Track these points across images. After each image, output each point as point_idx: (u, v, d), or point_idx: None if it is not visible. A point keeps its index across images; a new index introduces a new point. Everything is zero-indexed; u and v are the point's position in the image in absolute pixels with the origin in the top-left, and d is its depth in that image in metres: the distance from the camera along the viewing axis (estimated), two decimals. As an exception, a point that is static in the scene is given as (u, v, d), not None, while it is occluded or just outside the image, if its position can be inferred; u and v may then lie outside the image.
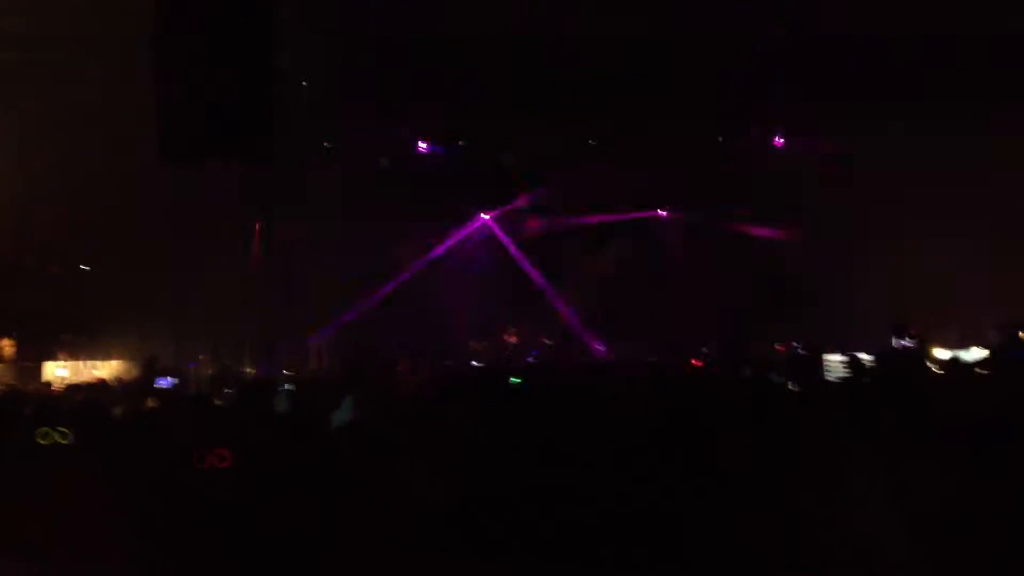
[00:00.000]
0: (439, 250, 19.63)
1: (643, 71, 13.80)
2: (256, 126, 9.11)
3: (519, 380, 7.09)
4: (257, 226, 17.11)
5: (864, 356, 9.87)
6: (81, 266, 16.50)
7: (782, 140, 17.80)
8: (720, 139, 17.72)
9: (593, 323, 19.20)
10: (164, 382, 12.63)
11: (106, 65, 12.29)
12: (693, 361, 12.91)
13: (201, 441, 4.15)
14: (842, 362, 9.39)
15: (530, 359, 16.54)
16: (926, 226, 15.28)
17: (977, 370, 8.09)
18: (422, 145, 17.84)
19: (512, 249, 19.91)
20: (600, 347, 18.19)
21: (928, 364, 8.48)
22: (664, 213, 19.86)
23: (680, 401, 5.79)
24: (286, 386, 7.73)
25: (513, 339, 18.96)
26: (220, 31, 8.86)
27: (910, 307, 13.88)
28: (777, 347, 15.08)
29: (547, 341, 18.78)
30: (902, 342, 12.77)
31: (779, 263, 18.05)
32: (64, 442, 4.51)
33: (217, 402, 6.73)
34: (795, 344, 13.91)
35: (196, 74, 8.90)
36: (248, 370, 15.37)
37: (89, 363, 14.88)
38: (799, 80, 13.73)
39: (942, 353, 11.66)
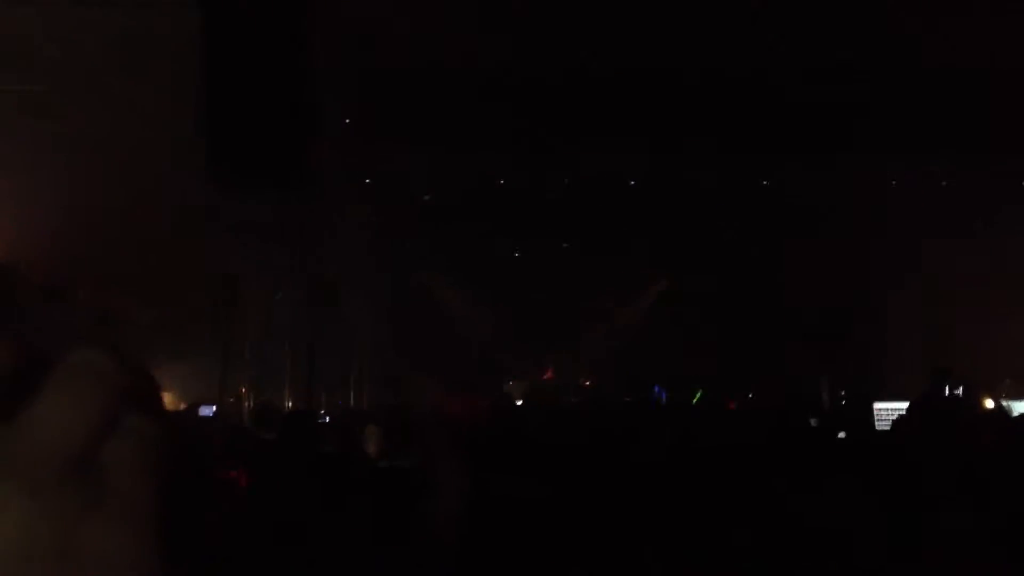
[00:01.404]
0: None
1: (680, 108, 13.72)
2: (297, 159, 9.12)
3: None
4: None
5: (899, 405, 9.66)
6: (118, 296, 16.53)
7: None
8: (764, 183, 17.54)
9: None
10: (207, 411, 12.74)
11: (146, 96, 12.38)
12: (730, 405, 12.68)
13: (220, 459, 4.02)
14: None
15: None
16: (976, 266, 15.09)
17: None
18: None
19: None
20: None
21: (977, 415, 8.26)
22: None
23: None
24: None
25: (549, 375, 18.84)
26: (262, 63, 8.90)
27: (952, 352, 13.62)
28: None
29: (586, 382, 18.64)
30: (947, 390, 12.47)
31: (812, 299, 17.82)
32: None
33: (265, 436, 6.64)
34: (841, 391, 13.66)
35: (239, 103, 8.94)
36: (288, 404, 15.36)
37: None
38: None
39: (990, 403, 11.38)
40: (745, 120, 13.91)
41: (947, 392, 9.44)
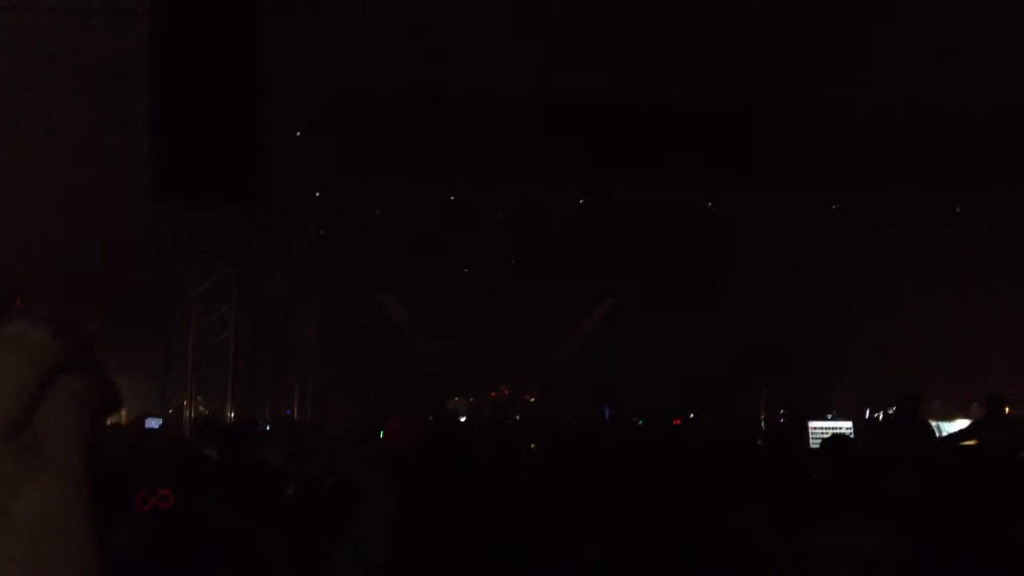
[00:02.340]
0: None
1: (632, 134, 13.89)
2: (245, 171, 9.12)
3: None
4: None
5: (844, 424, 9.85)
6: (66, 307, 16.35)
7: None
8: (709, 204, 17.79)
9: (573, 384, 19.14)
10: (153, 423, 12.65)
11: (96, 107, 12.30)
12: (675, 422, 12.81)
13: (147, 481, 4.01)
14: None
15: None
16: (919, 297, 15.46)
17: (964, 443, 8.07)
18: None
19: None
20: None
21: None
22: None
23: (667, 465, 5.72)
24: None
25: (494, 393, 18.89)
26: (213, 75, 8.90)
27: (893, 377, 13.91)
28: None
29: (531, 399, 18.70)
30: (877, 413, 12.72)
31: (761, 328, 18.08)
32: None
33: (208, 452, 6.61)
34: (780, 411, 13.88)
35: (189, 116, 8.92)
36: (231, 415, 15.25)
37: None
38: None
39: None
40: (694, 145, 14.10)
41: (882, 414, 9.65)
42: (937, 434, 8.84)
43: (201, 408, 15.28)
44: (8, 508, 0.38)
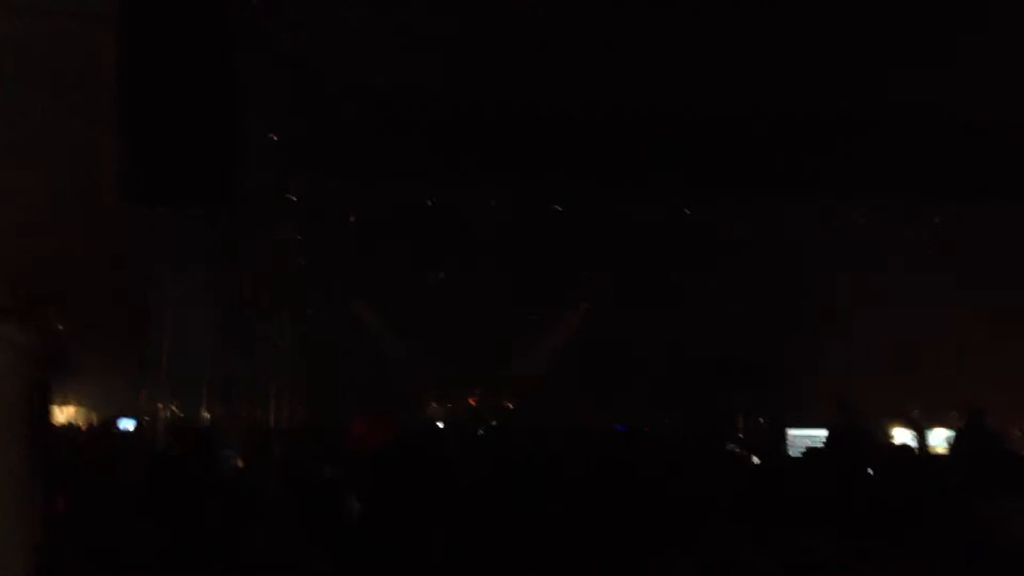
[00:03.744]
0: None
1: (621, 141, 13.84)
2: (217, 173, 8.97)
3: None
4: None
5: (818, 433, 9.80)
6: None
7: None
8: (687, 212, 17.73)
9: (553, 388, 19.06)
10: (128, 423, 12.51)
11: (62, 104, 12.15)
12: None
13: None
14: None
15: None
16: (897, 304, 15.49)
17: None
18: None
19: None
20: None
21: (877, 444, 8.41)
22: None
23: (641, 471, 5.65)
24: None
25: (472, 400, 18.82)
26: (183, 75, 8.76)
27: (875, 384, 13.91)
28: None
29: (508, 404, 18.64)
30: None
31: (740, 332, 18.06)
32: None
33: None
34: (760, 418, 13.85)
35: (158, 118, 8.78)
36: (205, 415, 15.19)
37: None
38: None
39: (901, 434, 11.59)
40: (673, 151, 14.05)
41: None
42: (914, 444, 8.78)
43: (175, 410, 15.20)
44: None
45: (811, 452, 7.48)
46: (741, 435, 11.87)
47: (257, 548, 3.99)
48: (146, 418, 14.55)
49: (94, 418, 14.40)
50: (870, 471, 5.80)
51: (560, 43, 12.07)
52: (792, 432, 10.81)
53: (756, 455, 7.84)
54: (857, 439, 8.39)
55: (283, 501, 4.38)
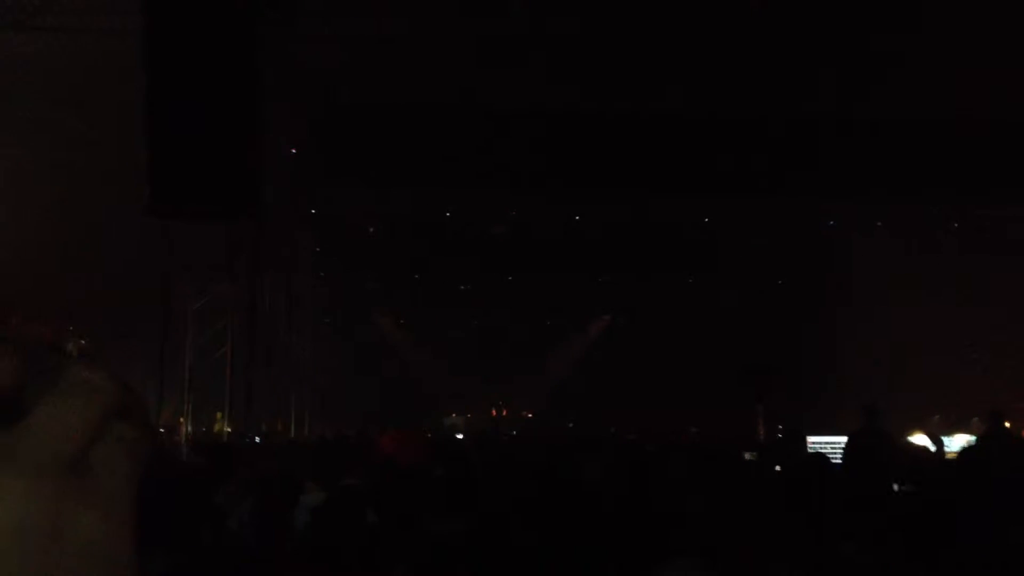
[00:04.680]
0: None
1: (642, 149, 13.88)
2: (240, 186, 9.10)
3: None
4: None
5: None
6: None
7: None
8: (706, 220, 17.73)
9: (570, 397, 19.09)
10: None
11: (91, 122, 12.28)
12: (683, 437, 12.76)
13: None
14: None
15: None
16: (920, 310, 15.44)
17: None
18: None
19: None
20: None
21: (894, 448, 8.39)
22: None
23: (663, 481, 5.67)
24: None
25: (493, 411, 18.87)
26: (209, 91, 8.89)
27: (894, 390, 13.87)
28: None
29: (528, 414, 18.67)
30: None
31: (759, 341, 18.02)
32: None
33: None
34: (778, 426, 13.82)
35: (183, 132, 8.91)
36: (226, 429, 15.26)
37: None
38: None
39: (920, 439, 11.55)
40: (690, 161, 14.08)
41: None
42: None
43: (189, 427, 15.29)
44: (63, 532, 0.44)
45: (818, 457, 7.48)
46: (760, 442, 11.84)
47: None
48: (162, 430, 14.63)
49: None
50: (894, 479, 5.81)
51: (580, 54, 12.14)
52: (811, 439, 10.79)
53: (777, 463, 7.84)
54: (882, 445, 8.38)
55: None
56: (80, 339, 16.08)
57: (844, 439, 9.05)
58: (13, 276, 14.37)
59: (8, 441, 0.47)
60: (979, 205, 15.49)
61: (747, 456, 8.27)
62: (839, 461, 8.33)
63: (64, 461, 0.47)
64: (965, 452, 7.74)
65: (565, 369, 20.07)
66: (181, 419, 15.27)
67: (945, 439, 10.92)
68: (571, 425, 17.37)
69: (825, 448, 9.58)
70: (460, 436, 15.60)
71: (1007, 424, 10.01)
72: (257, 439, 13.46)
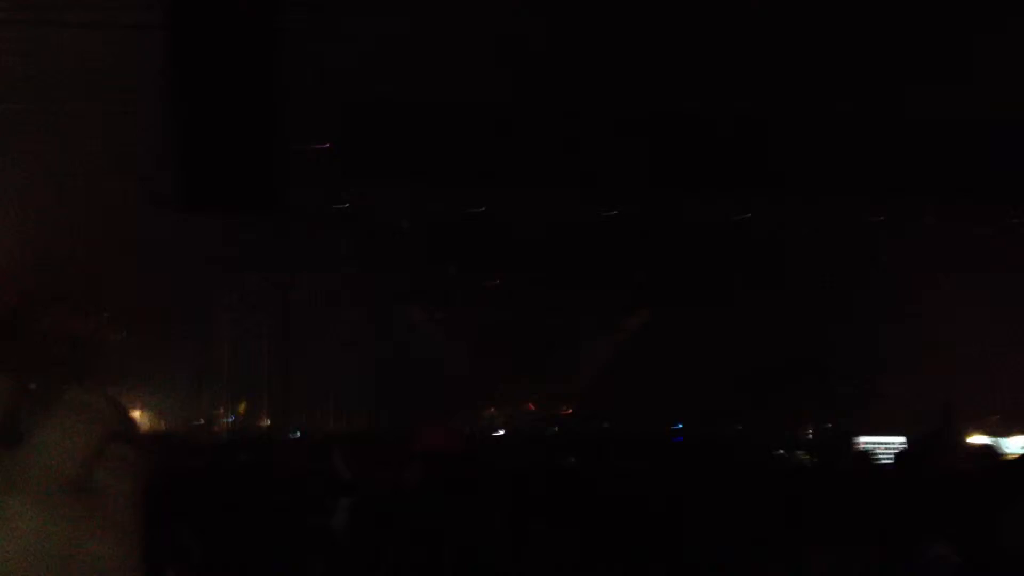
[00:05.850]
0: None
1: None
2: (266, 179, 9.07)
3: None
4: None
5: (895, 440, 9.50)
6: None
7: None
8: (749, 215, 17.37)
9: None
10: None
11: (115, 113, 12.33)
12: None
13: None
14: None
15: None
16: (962, 303, 15.08)
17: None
18: None
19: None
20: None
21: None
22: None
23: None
24: None
25: (531, 407, 18.75)
26: (232, 86, 8.88)
27: (947, 389, 13.50)
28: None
29: (567, 410, 18.52)
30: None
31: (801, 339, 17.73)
32: None
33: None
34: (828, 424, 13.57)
35: (208, 125, 8.91)
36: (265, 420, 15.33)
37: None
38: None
39: (979, 439, 11.25)
40: (727, 157, 13.88)
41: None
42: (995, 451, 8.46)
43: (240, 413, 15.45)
44: (73, 557, 0.46)
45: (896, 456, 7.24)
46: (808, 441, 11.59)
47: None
48: (201, 421, 14.68)
49: (162, 424, 14.64)
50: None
51: (607, 49, 11.99)
52: (863, 439, 10.49)
53: (822, 461, 7.65)
54: (952, 446, 8.13)
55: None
56: (121, 331, 16.22)
57: (895, 439, 8.79)
58: (56, 269, 14.46)
59: (12, 465, 0.47)
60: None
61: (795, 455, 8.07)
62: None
63: (70, 484, 0.47)
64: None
65: (603, 364, 19.85)
66: (220, 410, 15.39)
67: (1002, 440, 10.61)
68: (606, 425, 17.15)
69: (878, 449, 9.26)
70: (501, 432, 15.44)
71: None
72: (298, 433, 13.47)
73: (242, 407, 16.11)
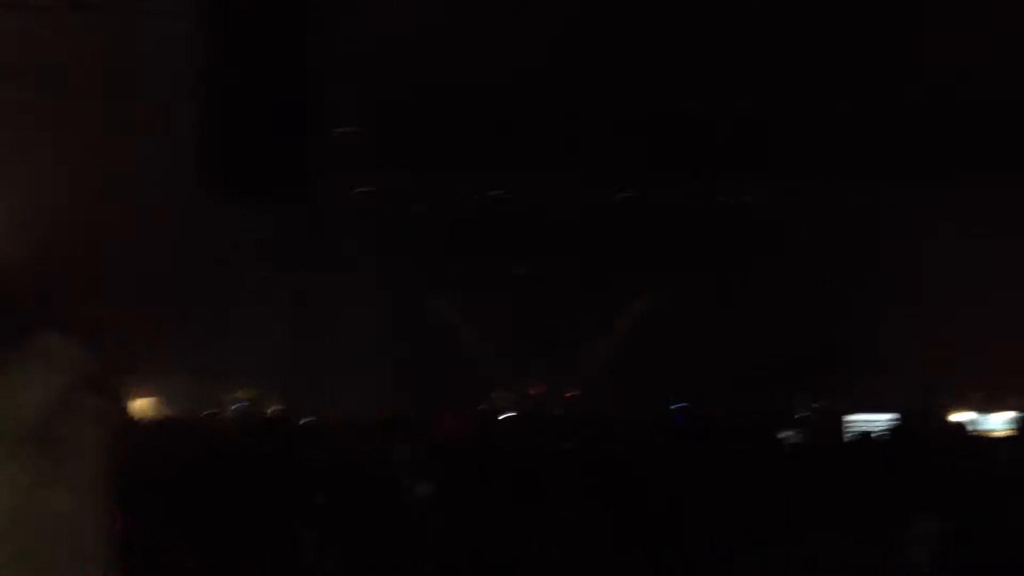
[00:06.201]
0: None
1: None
2: (291, 169, 9.26)
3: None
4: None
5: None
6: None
7: None
8: (745, 198, 17.63)
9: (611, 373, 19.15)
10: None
11: (140, 104, 12.47)
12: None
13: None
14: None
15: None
16: (947, 279, 15.34)
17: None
18: None
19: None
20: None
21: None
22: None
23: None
24: None
25: (536, 388, 19.01)
26: (257, 74, 9.03)
27: (925, 365, 13.82)
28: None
29: (572, 395, 18.80)
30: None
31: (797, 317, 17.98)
32: None
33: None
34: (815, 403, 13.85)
35: (234, 115, 9.06)
36: (276, 407, 15.49)
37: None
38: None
39: (962, 416, 11.57)
40: (731, 142, 14.10)
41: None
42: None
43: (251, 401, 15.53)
44: (31, 513, 0.41)
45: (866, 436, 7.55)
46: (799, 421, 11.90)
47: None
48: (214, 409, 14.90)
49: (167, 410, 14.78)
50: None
51: (624, 38, 12.19)
52: (851, 417, 10.84)
53: (814, 441, 7.93)
54: (936, 423, 8.40)
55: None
56: (125, 318, 16.43)
57: (883, 416, 9.12)
58: (66, 256, 14.63)
59: None
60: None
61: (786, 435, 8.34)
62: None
63: (28, 436, 0.45)
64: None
65: (607, 347, 20.15)
66: (227, 397, 15.51)
67: (987, 416, 10.96)
68: (612, 407, 17.41)
69: (863, 426, 9.62)
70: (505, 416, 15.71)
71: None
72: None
73: (249, 394, 16.21)
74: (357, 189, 16.81)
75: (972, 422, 9.30)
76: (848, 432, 9.50)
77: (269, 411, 15.26)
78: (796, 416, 12.41)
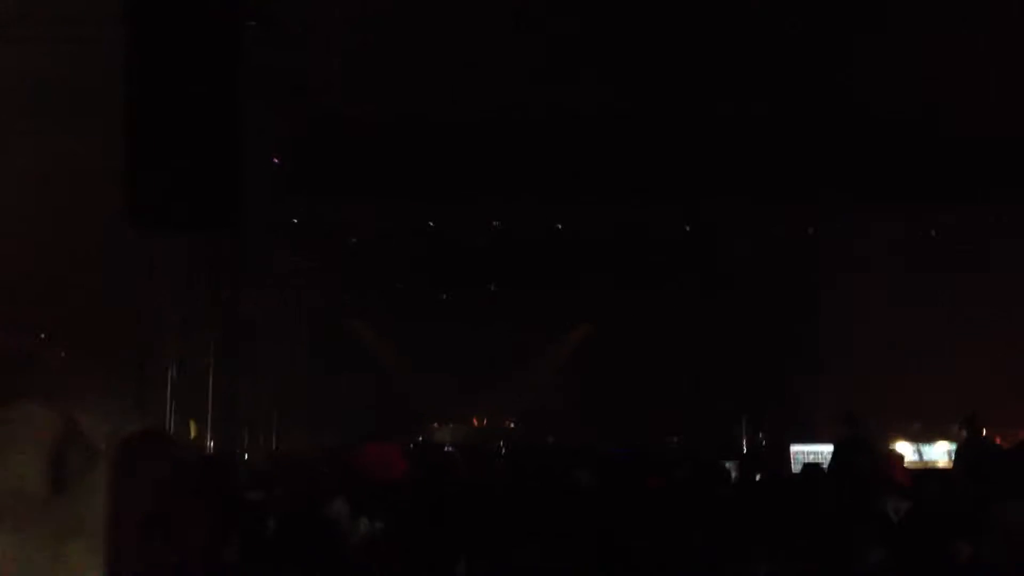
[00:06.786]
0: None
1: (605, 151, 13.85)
2: (221, 198, 9.03)
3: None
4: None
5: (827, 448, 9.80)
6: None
7: None
8: (687, 228, 17.66)
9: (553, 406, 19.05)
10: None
11: (69, 133, 12.20)
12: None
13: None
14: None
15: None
16: (888, 311, 15.45)
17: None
18: None
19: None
20: None
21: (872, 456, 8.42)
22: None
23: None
24: None
25: (475, 420, 18.87)
26: (185, 99, 8.82)
27: (875, 396, 13.83)
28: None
29: (511, 424, 18.66)
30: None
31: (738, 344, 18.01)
32: None
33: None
34: (759, 435, 13.84)
35: (161, 143, 8.83)
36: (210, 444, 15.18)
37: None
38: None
39: (903, 447, 11.60)
40: (671, 166, 14.03)
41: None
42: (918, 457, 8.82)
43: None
44: (54, 559, 0.47)
45: (812, 468, 7.52)
46: (744, 452, 11.87)
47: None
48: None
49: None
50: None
51: (556, 62, 12.11)
52: (795, 448, 10.81)
53: (758, 472, 7.87)
54: (864, 453, 8.39)
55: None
56: (59, 351, 16.02)
57: (828, 447, 9.07)
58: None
59: None
60: (958, 209, 15.46)
61: (727, 465, 8.30)
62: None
63: (33, 501, 0.49)
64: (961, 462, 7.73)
65: (545, 378, 20.06)
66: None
67: (926, 447, 10.98)
68: (550, 439, 17.32)
69: (809, 457, 9.59)
70: (447, 449, 15.52)
71: (984, 431, 9.99)
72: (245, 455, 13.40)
73: (192, 428, 15.87)
74: (291, 219, 16.59)
75: (914, 451, 9.29)
76: (793, 462, 9.50)
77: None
78: (742, 447, 12.43)
